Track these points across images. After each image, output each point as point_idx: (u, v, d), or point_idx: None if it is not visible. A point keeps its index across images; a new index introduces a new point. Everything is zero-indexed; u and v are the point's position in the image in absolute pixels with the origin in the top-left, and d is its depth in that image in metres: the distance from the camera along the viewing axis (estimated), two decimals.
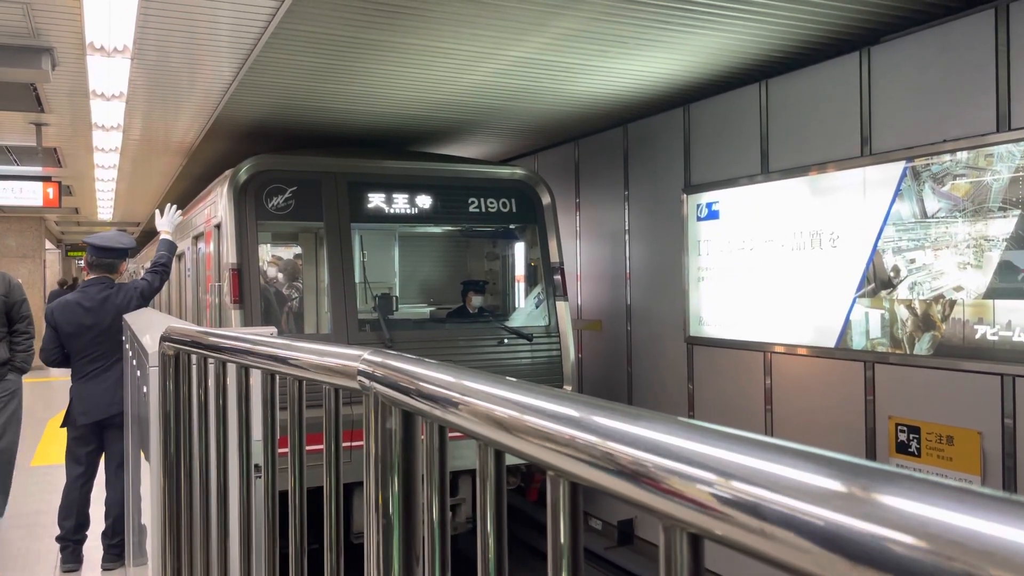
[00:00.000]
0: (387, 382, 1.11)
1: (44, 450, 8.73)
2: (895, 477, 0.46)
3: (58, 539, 5.15)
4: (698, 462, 0.52)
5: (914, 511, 0.42)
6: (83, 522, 5.15)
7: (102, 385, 5.09)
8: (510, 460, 0.90)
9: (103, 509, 5.12)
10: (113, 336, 5.16)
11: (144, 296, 5.35)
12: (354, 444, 3.67)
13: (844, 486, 0.44)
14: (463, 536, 6.90)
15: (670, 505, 0.54)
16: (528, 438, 0.72)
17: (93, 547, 5.19)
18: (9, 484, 5.90)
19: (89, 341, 5.12)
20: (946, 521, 0.40)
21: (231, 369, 1.95)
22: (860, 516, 0.42)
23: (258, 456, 1.91)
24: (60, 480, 5.24)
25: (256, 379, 1.84)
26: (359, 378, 1.22)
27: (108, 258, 5.30)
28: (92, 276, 5.33)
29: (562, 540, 0.72)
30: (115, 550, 5.05)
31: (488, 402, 0.81)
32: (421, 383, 1.00)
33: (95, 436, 5.14)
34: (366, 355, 1.23)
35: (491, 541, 0.85)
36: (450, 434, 1.05)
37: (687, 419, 0.58)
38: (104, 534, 5.10)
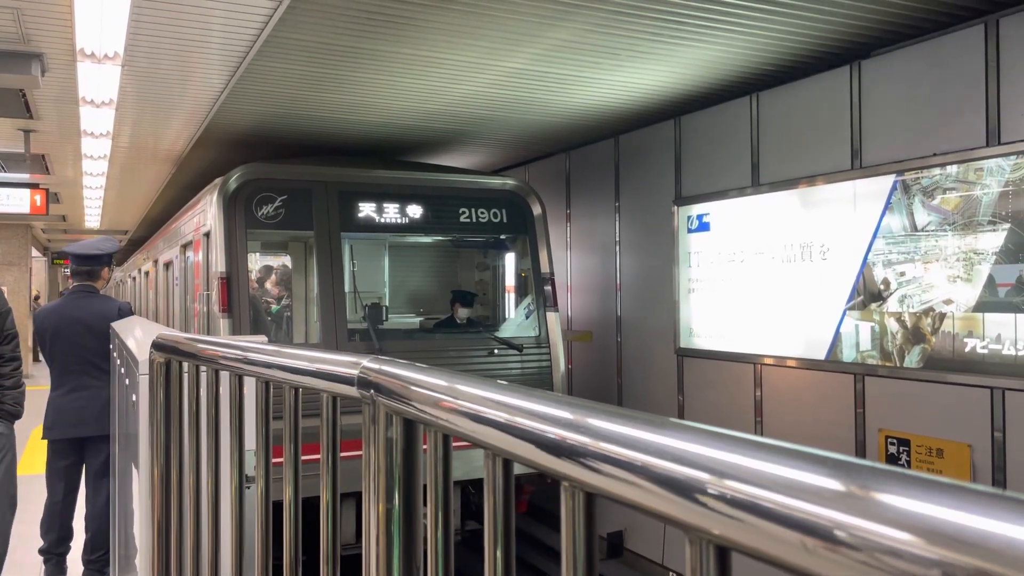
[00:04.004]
0: (388, 390, 1.09)
1: (27, 460, 8.62)
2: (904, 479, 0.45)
3: (41, 552, 5.05)
4: (731, 473, 0.51)
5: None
6: (65, 535, 5.04)
7: (76, 403, 4.91)
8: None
9: (83, 523, 5.02)
10: (90, 350, 4.97)
11: (122, 314, 5.18)
12: (345, 454, 3.63)
13: (908, 503, 0.43)
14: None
15: (694, 515, 0.53)
16: (541, 447, 0.70)
17: (77, 559, 5.10)
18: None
19: (61, 351, 4.98)
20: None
21: (224, 377, 1.92)
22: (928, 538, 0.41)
23: (250, 467, 1.88)
24: (43, 490, 5.15)
25: (250, 387, 1.81)
26: (358, 387, 1.20)
27: (87, 265, 5.20)
28: (74, 284, 5.25)
29: (576, 554, 0.70)
30: (94, 566, 4.93)
31: (498, 409, 0.79)
32: (425, 391, 0.98)
33: (73, 450, 5.00)
34: (365, 362, 1.21)
35: (499, 555, 0.83)
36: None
37: (716, 428, 0.57)
38: (83, 550, 4.98)
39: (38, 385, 6.32)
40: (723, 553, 0.55)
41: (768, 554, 0.49)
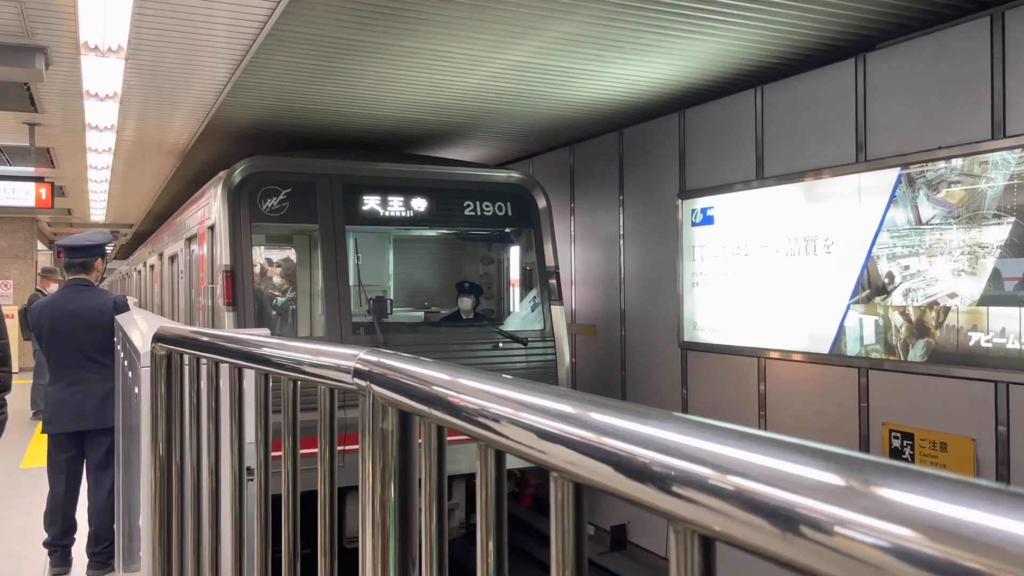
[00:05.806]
0: (384, 381, 1.09)
1: (33, 452, 8.66)
2: (898, 471, 0.45)
3: (45, 544, 5.08)
4: (712, 462, 0.51)
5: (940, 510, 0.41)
6: (69, 528, 5.06)
7: (74, 397, 4.92)
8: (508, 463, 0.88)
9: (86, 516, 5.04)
10: (86, 343, 4.98)
11: (118, 307, 5.19)
12: (346, 448, 3.65)
13: (873, 488, 0.43)
14: (454, 542, 6.86)
15: (679, 505, 0.53)
16: (531, 438, 0.71)
17: (82, 551, 5.13)
18: None
19: (57, 346, 4.99)
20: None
21: (224, 370, 1.93)
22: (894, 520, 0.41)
23: (250, 459, 1.88)
24: (46, 483, 5.17)
25: (250, 380, 1.82)
26: (355, 378, 1.20)
27: (79, 258, 5.21)
28: (69, 278, 5.27)
29: (565, 544, 0.70)
30: (99, 558, 4.95)
31: (489, 401, 0.79)
32: (419, 382, 0.98)
33: (73, 443, 5.01)
34: (362, 354, 1.21)
35: (491, 546, 0.83)
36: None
37: (698, 417, 0.57)
38: (87, 542, 5.00)
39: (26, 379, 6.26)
40: (707, 543, 0.55)
41: (752, 544, 0.49)
